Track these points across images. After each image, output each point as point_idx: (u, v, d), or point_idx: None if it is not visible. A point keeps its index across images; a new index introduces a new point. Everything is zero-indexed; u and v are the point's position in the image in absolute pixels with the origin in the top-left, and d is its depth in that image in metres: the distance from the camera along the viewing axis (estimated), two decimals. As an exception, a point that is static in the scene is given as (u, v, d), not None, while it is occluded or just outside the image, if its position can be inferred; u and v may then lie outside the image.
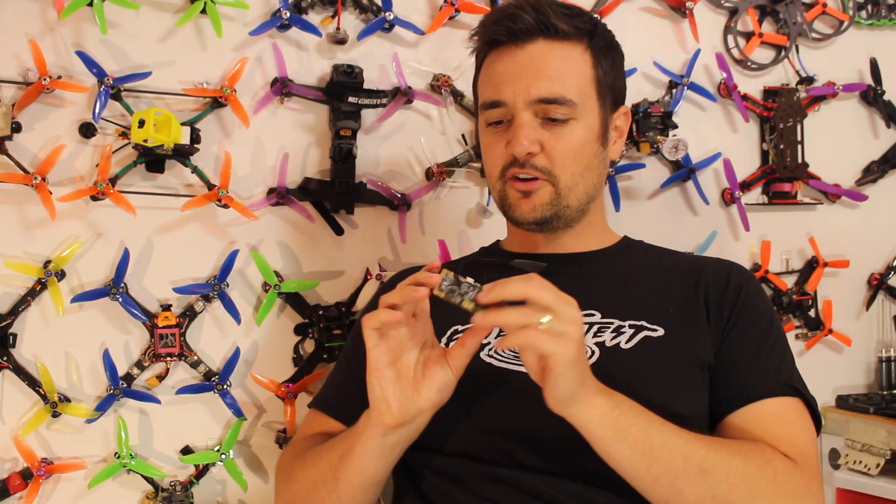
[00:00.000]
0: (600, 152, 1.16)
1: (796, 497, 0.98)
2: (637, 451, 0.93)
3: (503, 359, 1.09)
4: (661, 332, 1.09)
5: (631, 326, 1.09)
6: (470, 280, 0.91)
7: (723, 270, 1.16)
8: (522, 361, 0.93)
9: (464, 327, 1.13)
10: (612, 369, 1.05)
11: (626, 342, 1.08)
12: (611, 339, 1.08)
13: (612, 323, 1.10)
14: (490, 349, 1.10)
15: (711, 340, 1.10)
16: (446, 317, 1.14)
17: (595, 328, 1.10)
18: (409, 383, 0.97)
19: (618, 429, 0.93)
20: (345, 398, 1.15)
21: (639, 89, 1.66)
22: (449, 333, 1.13)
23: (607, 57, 1.16)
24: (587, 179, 1.14)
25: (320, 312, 1.48)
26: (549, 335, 0.87)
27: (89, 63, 1.36)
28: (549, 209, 1.12)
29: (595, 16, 1.19)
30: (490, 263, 1.20)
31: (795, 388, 1.08)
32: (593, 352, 1.07)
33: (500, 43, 1.13)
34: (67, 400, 1.38)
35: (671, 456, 0.94)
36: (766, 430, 1.04)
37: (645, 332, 1.09)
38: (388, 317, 0.93)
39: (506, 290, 0.88)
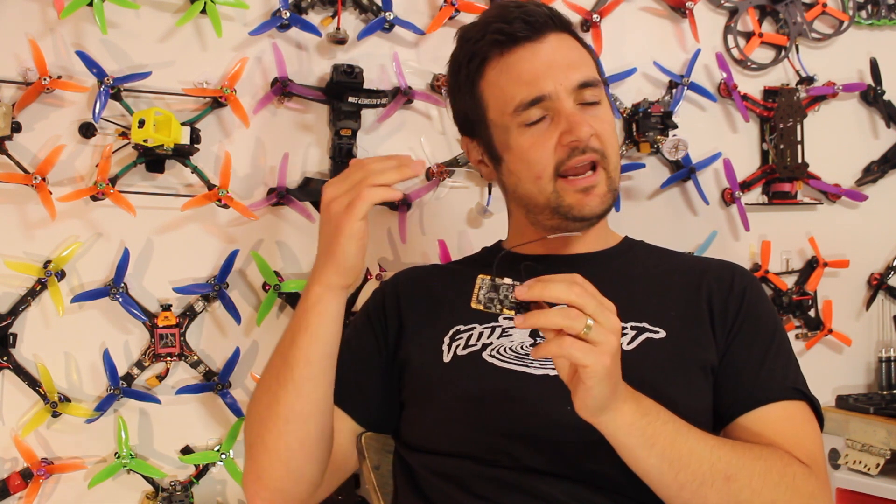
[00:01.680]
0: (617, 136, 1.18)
1: (813, 500, 0.99)
2: (664, 459, 0.93)
3: (505, 359, 1.09)
4: (662, 333, 1.09)
5: (633, 328, 1.09)
6: (508, 280, 0.87)
7: (726, 272, 1.16)
8: (554, 364, 0.90)
9: (466, 327, 1.13)
10: None
11: (628, 344, 1.08)
12: None
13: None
14: (492, 349, 1.10)
15: (715, 343, 1.10)
16: (448, 316, 1.14)
17: None
18: None
19: (645, 437, 0.92)
20: (343, 381, 1.14)
21: (639, 89, 1.66)
22: (451, 333, 1.13)
23: (592, 51, 1.20)
24: (619, 160, 1.17)
25: (320, 312, 1.47)
26: (588, 345, 0.84)
27: (89, 63, 1.36)
28: (611, 197, 1.13)
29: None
30: (527, 258, 1.17)
31: (802, 391, 1.09)
32: None
33: (515, 41, 1.11)
34: (67, 400, 1.38)
35: (698, 463, 0.94)
36: (777, 434, 1.04)
37: (647, 334, 1.09)
38: (391, 195, 0.99)
39: (548, 290, 0.85)
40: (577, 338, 0.84)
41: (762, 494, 0.96)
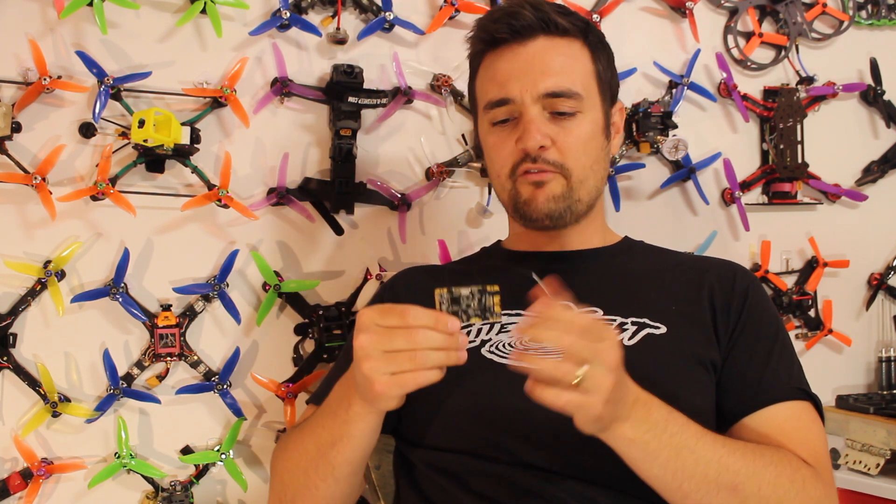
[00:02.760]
0: (605, 146, 1.17)
1: None
2: (667, 470, 0.93)
3: (504, 355, 1.09)
4: (663, 329, 1.09)
5: (634, 323, 1.10)
6: (465, 291, 0.89)
7: (727, 271, 1.17)
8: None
9: (464, 323, 1.12)
10: None
11: (629, 339, 1.08)
12: None
13: (614, 320, 1.10)
14: (491, 345, 1.10)
15: (717, 342, 1.10)
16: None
17: None
18: None
19: (648, 451, 0.92)
20: None
21: (639, 89, 1.66)
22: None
23: (603, 53, 1.18)
24: (596, 173, 1.15)
25: (320, 312, 1.48)
26: (579, 395, 0.84)
27: (89, 63, 1.36)
28: (563, 202, 1.12)
29: (584, 16, 1.20)
30: (525, 256, 1.20)
31: (806, 391, 1.09)
32: None
33: (501, 42, 1.14)
34: (67, 400, 1.38)
35: (703, 474, 0.94)
36: (784, 435, 1.04)
37: (647, 330, 1.09)
38: (439, 377, 0.91)
39: (542, 336, 0.85)
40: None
41: (770, 501, 0.96)
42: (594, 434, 0.90)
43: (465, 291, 0.90)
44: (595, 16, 1.60)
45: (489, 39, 1.15)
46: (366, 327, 0.91)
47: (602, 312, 1.11)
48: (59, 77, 1.36)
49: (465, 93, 1.52)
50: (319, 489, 1.05)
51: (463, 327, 0.90)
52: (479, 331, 1.12)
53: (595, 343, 0.85)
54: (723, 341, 1.10)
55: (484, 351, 1.09)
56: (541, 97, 1.11)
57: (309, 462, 1.06)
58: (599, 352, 0.85)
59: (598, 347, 0.85)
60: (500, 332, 1.11)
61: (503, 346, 1.09)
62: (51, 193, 1.35)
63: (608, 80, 1.18)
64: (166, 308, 1.41)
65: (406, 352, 0.89)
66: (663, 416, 0.94)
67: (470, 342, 1.11)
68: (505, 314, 1.11)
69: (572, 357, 0.84)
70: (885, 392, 1.74)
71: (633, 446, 0.92)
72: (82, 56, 1.36)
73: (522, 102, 1.11)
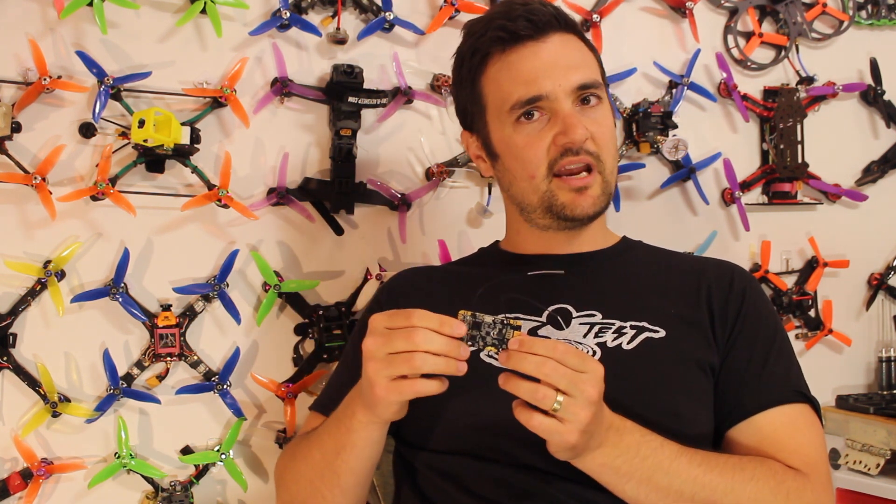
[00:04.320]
0: (616, 139, 1.18)
1: None
2: (641, 491, 0.95)
3: None
4: (662, 333, 1.09)
5: (632, 327, 1.09)
6: (489, 319, 0.90)
7: (725, 272, 1.16)
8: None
9: (477, 349, 1.13)
10: (614, 370, 1.05)
11: (628, 343, 1.08)
12: (612, 340, 1.08)
13: (613, 324, 1.10)
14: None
15: (715, 344, 1.10)
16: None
17: (596, 328, 1.10)
18: None
19: (619, 475, 0.95)
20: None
21: (639, 89, 1.66)
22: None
23: (596, 51, 1.19)
24: (617, 164, 1.16)
25: (320, 312, 1.48)
26: (555, 422, 0.87)
27: (89, 63, 1.36)
28: (604, 200, 1.13)
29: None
30: (525, 260, 1.19)
31: (804, 393, 1.09)
32: (595, 352, 1.07)
33: (520, 39, 1.11)
34: (67, 400, 1.38)
35: (679, 492, 0.95)
36: (777, 442, 1.05)
37: (646, 334, 1.09)
38: (440, 389, 0.93)
39: (522, 365, 0.87)
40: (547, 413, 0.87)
41: None
42: (565, 460, 0.93)
43: (488, 319, 0.90)
44: (595, 16, 1.60)
45: (508, 37, 1.12)
46: (373, 330, 0.92)
47: (601, 315, 1.11)
48: (59, 77, 1.36)
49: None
50: (326, 499, 1.06)
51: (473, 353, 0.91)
52: None
53: (576, 374, 0.87)
54: (720, 343, 1.10)
55: (482, 355, 1.09)
56: (574, 90, 1.10)
57: (315, 472, 1.06)
58: (579, 382, 0.86)
59: (579, 378, 0.87)
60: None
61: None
62: (51, 193, 1.35)
63: (603, 74, 1.20)
64: (166, 308, 1.41)
65: (405, 354, 0.89)
66: (635, 441, 0.95)
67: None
68: (504, 316, 1.11)
69: (551, 385, 0.86)
70: (885, 392, 1.74)
71: (604, 470, 0.94)
72: (82, 56, 1.36)
73: (556, 98, 1.09)
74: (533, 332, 1.10)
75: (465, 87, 1.18)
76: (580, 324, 1.10)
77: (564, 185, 1.10)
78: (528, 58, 1.11)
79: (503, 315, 0.90)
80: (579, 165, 1.10)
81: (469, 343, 0.90)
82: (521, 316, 1.12)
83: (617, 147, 1.17)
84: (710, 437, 1.09)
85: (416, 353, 0.89)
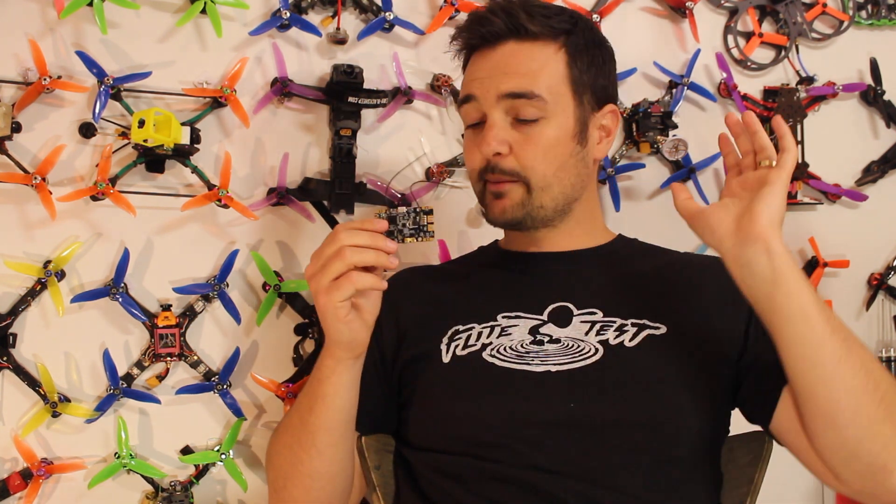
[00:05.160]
0: (577, 151, 1.14)
1: None
2: (818, 298, 0.96)
3: (505, 358, 1.09)
4: (663, 329, 1.09)
5: (633, 325, 1.10)
6: (402, 209, 1.01)
7: (721, 267, 1.16)
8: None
9: (464, 327, 1.13)
10: (618, 367, 1.05)
11: (630, 340, 1.08)
12: (614, 338, 1.09)
13: (614, 321, 1.10)
14: (492, 349, 1.10)
15: (725, 337, 1.10)
16: (446, 316, 1.15)
17: (598, 326, 1.10)
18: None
19: (801, 274, 0.98)
20: None
21: (639, 89, 1.66)
22: (450, 333, 1.13)
23: (585, 55, 1.15)
24: (562, 179, 1.13)
25: (320, 312, 1.48)
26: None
27: (89, 63, 1.36)
28: (521, 210, 1.13)
29: (576, 15, 1.19)
30: (517, 256, 1.22)
31: None
32: (597, 350, 1.07)
33: (475, 47, 1.16)
34: (67, 400, 1.38)
35: (840, 325, 0.97)
36: None
37: (648, 331, 1.09)
38: (378, 285, 1.00)
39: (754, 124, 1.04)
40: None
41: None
42: (775, 230, 0.98)
43: (401, 210, 1.00)
44: (595, 16, 1.60)
45: (461, 45, 1.19)
46: (311, 258, 1.00)
47: (601, 314, 1.11)
48: (59, 77, 1.37)
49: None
50: (304, 464, 1.07)
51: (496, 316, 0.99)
52: (480, 335, 1.12)
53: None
54: (737, 335, 1.09)
55: (485, 355, 1.09)
56: (501, 97, 1.11)
57: (293, 437, 1.08)
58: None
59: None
60: (500, 335, 1.11)
61: (504, 349, 1.09)
62: (51, 193, 1.36)
63: (589, 83, 1.15)
64: (166, 308, 1.41)
65: (335, 254, 0.97)
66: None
67: (471, 346, 1.11)
68: (504, 317, 1.12)
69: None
70: (885, 392, 1.74)
71: (790, 258, 0.98)
72: (82, 56, 1.37)
73: (484, 102, 1.13)
74: (534, 329, 1.10)
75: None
76: (581, 322, 1.11)
77: (487, 188, 1.15)
78: (478, 63, 1.16)
79: (414, 204, 0.97)
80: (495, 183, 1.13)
81: (392, 237, 1.00)
82: (522, 314, 1.12)
83: (563, 164, 1.12)
84: (713, 433, 1.09)
85: (345, 247, 0.97)
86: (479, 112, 1.14)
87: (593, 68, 1.17)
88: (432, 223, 1.01)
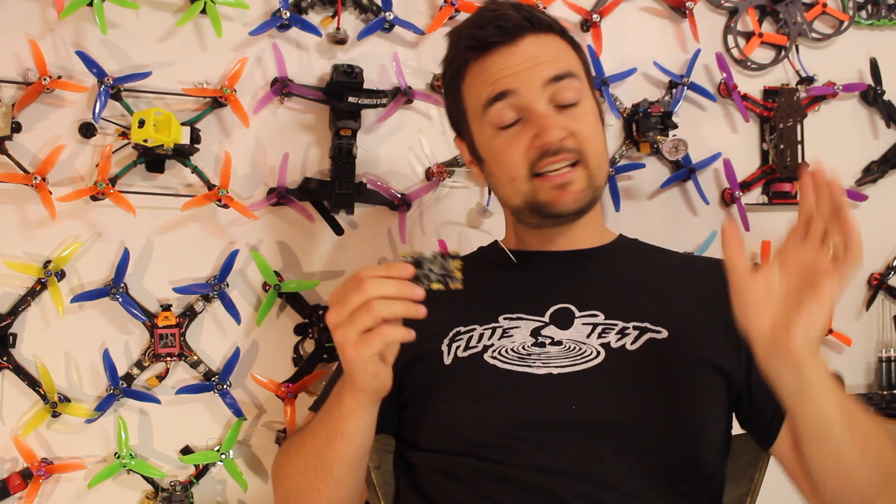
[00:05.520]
0: (603, 134, 1.17)
1: None
2: (843, 415, 0.93)
3: (507, 360, 1.09)
4: (664, 333, 1.09)
5: (635, 328, 1.09)
6: (427, 254, 0.94)
7: (723, 270, 1.16)
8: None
9: (466, 328, 1.13)
10: (619, 370, 1.05)
11: (632, 343, 1.08)
12: (616, 341, 1.08)
13: (616, 324, 1.10)
14: (493, 350, 1.10)
15: (729, 340, 1.09)
16: (447, 317, 1.14)
17: (599, 329, 1.10)
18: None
19: (830, 388, 0.91)
20: None
21: (639, 89, 1.66)
22: (451, 335, 1.13)
23: (580, 49, 1.18)
24: (605, 159, 1.15)
25: (320, 312, 1.48)
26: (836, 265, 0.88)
27: (89, 63, 1.36)
28: (589, 194, 1.12)
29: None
30: (520, 256, 1.20)
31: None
32: (599, 353, 1.07)
33: (491, 46, 1.12)
34: (67, 400, 1.38)
35: (865, 431, 0.94)
36: None
37: (649, 334, 1.09)
38: (408, 337, 0.93)
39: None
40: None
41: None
42: (810, 355, 0.88)
43: (427, 254, 0.94)
44: (595, 16, 1.60)
45: (478, 45, 1.13)
46: (332, 303, 0.94)
47: (603, 316, 1.11)
48: (59, 77, 1.36)
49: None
50: (321, 492, 1.05)
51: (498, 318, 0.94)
52: (481, 336, 1.11)
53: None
54: (740, 344, 1.07)
55: (486, 356, 1.09)
56: (545, 84, 1.10)
57: (308, 465, 1.06)
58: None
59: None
60: (502, 337, 1.11)
61: (506, 351, 1.09)
62: (51, 193, 1.36)
63: (590, 74, 1.19)
64: (166, 308, 1.41)
65: (363, 307, 0.91)
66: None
67: (472, 347, 1.11)
68: (506, 318, 1.12)
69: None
70: (885, 392, 1.74)
71: (824, 376, 0.91)
72: (82, 56, 1.37)
73: (527, 96, 1.10)
74: (536, 331, 1.10)
75: (450, 95, 1.20)
76: (583, 324, 1.10)
77: (545, 183, 1.10)
78: (500, 61, 1.12)
79: (441, 251, 0.95)
80: (562, 164, 1.10)
81: (417, 283, 0.93)
82: (524, 316, 1.12)
83: (604, 141, 1.15)
84: (714, 436, 1.09)
85: (373, 300, 0.91)
86: (515, 109, 1.11)
87: (587, 62, 1.20)
88: (459, 269, 0.95)
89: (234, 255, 1.44)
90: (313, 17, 1.49)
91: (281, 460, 1.14)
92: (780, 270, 0.92)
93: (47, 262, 1.37)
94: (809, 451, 0.96)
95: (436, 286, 0.94)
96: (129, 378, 1.40)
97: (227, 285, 1.44)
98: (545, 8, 1.55)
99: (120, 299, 1.38)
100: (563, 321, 1.11)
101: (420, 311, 0.92)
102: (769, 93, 1.74)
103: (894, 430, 1.42)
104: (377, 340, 0.92)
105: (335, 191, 1.47)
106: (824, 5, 1.74)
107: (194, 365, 1.43)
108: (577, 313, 1.11)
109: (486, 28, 1.12)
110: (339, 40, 1.48)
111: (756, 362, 0.95)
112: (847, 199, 0.90)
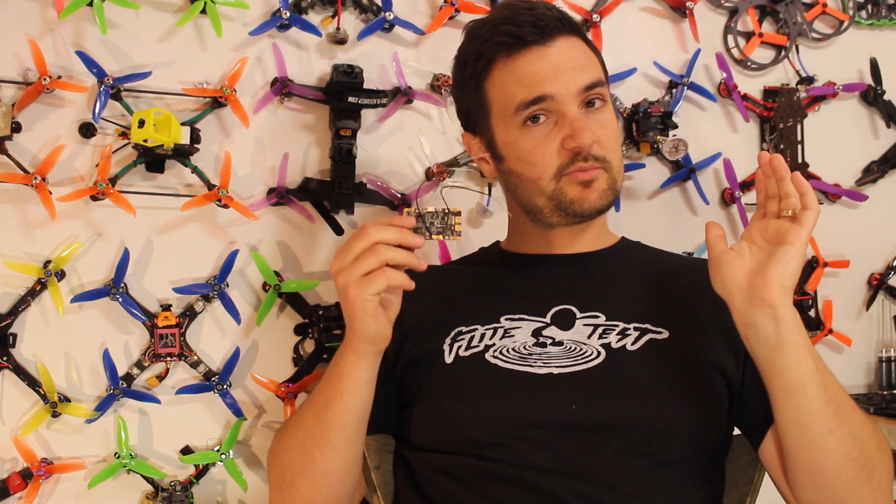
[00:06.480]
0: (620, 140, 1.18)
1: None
2: (817, 371, 0.97)
3: (508, 359, 1.09)
4: (665, 334, 1.09)
5: (636, 329, 1.09)
6: (430, 209, 1.01)
7: None
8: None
9: (467, 328, 1.13)
10: (619, 370, 1.05)
11: (632, 344, 1.08)
12: (616, 341, 1.09)
13: (617, 325, 1.10)
14: (495, 350, 1.10)
15: (724, 344, 1.10)
16: (449, 317, 1.15)
17: (600, 329, 1.10)
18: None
19: (805, 338, 0.97)
20: None
21: (639, 89, 1.66)
22: (453, 334, 1.13)
23: (599, 54, 1.19)
24: (622, 163, 1.16)
25: (320, 312, 1.47)
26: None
27: (89, 63, 1.36)
28: (610, 195, 1.12)
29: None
30: (524, 258, 1.21)
31: None
32: (599, 353, 1.07)
33: (524, 44, 1.10)
34: (67, 400, 1.38)
35: (838, 397, 0.98)
36: None
37: (650, 335, 1.09)
38: (409, 284, 1.00)
39: (781, 169, 1.01)
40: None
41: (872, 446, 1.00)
42: (787, 296, 0.95)
43: (430, 209, 1.01)
44: (595, 16, 1.60)
45: (514, 42, 1.11)
46: (337, 253, 1.00)
47: (605, 317, 1.11)
48: (59, 77, 1.36)
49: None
50: (317, 461, 1.06)
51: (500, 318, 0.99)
52: (483, 336, 1.12)
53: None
54: (738, 347, 1.08)
55: (488, 356, 1.09)
56: (580, 91, 1.09)
57: (306, 434, 1.07)
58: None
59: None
60: (503, 337, 1.11)
61: (507, 350, 1.09)
62: (51, 193, 1.35)
63: (608, 78, 1.19)
64: (166, 308, 1.41)
65: (367, 250, 0.97)
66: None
67: (474, 347, 1.11)
68: (507, 319, 1.12)
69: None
70: (885, 392, 1.74)
71: (799, 325, 0.96)
72: (82, 56, 1.36)
73: (562, 100, 1.09)
74: (537, 332, 1.10)
75: (469, 90, 1.17)
76: (584, 325, 1.11)
77: (572, 179, 1.09)
78: (533, 61, 1.10)
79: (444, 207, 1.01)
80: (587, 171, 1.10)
81: (418, 233, 1.01)
82: (525, 316, 1.12)
83: (621, 147, 1.17)
84: (714, 437, 1.09)
85: (377, 243, 0.97)
86: (545, 111, 1.10)
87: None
88: (459, 223, 1.02)
89: (234, 255, 1.44)
90: (313, 17, 1.49)
91: (278, 438, 1.14)
92: (748, 244, 1.00)
93: (47, 262, 1.37)
94: (784, 410, 0.98)
95: (437, 237, 1.01)
96: (129, 378, 1.40)
97: (227, 285, 1.44)
98: (546, 8, 1.55)
99: (120, 299, 1.38)
100: (565, 322, 1.11)
101: (421, 265, 0.99)
102: (769, 93, 1.74)
103: (894, 429, 1.44)
104: (381, 279, 0.97)
105: (335, 191, 1.47)
106: (824, 5, 1.74)
107: (194, 365, 1.43)
108: (579, 314, 1.11)
109: (523, 26, 1.10)
110: (339, 40, 1.48)
111: (748, 356, 1.02)
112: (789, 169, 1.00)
